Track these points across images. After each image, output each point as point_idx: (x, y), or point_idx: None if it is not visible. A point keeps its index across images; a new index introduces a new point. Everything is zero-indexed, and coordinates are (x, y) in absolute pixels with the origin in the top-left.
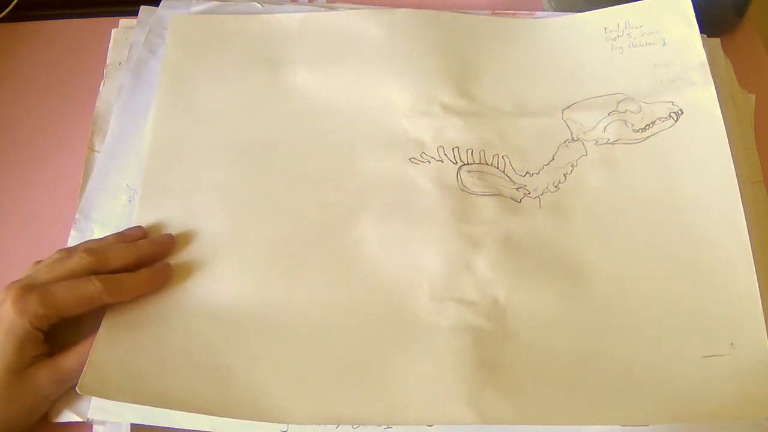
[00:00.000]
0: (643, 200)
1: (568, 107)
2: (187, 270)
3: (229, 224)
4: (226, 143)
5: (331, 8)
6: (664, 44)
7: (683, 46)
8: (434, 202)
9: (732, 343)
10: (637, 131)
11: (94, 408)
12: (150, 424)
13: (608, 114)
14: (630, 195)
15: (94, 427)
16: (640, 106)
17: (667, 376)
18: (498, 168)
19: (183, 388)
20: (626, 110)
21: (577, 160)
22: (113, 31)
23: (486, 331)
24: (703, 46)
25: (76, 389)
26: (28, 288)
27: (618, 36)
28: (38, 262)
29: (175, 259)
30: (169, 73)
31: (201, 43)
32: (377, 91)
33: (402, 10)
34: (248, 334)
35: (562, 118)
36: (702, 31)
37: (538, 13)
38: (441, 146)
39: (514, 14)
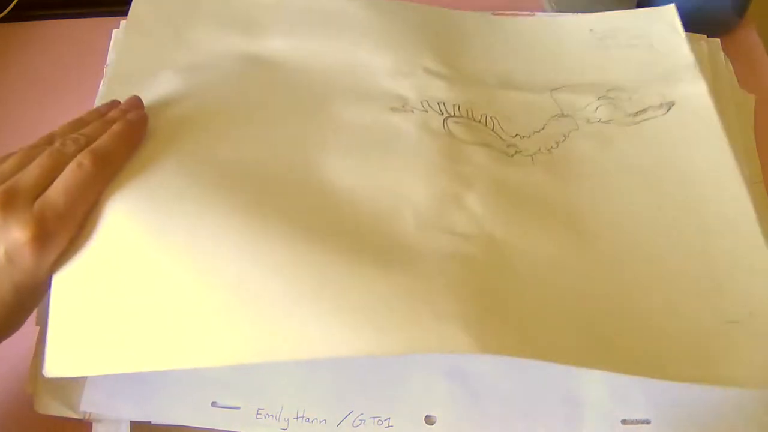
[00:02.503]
0: (640, 173)
1: (557, 89)
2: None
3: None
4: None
5: None
6: (651, 47)
7: (671, 50)
8: (419, 141)
9: (748, 308)
10: (629, 116)
11: (86, 402)
12: (147, 420)
13: (598, 98)
14: (626, 166)
15: (93, 425)
16: (630, 96)
17: (680, 334)
18: (486, 126)
19: (159, 345)
20: (616, 96)
21: (569, 132)
22: (114, 31)
23: (481, 262)
24: (703, 46)
25: (43, 373)
26: (46, 222)
27: (604, 36)
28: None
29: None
30: (133, 37)
31: (172, 13)
32: (357, 57)
33: None
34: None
35: (551, 97)
36: (702, 31)
37: (539, 14)
38: (425, 100)
39: (514, 15)
